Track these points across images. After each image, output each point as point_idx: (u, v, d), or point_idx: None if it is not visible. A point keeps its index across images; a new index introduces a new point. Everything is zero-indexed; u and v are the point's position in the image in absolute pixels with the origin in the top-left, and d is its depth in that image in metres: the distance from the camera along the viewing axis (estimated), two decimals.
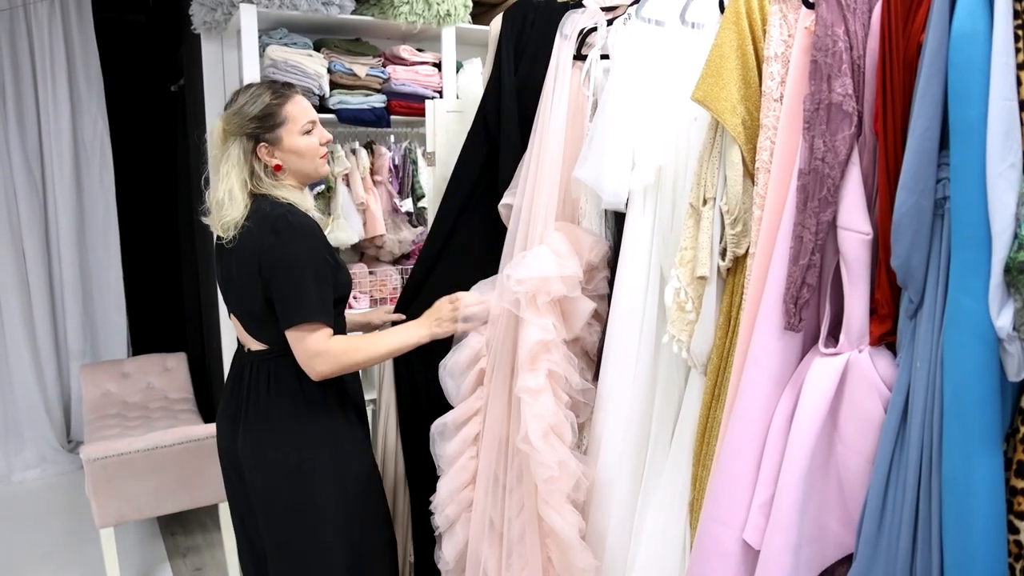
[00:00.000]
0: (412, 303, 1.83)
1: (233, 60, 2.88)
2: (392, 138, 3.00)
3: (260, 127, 1.53)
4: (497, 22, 1.84)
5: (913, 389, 1.07)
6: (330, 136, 1.65)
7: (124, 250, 3.48)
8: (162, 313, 4.29)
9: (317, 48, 2.76)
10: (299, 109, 1.57)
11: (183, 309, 4.09)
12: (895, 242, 1.06)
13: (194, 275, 3.71)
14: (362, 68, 2.78)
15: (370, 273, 2.93)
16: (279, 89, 1.57)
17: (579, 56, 1.68)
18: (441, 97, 2.88)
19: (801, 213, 1.19)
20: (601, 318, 1.67)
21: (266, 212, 1.50)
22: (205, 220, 1.59)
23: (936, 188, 1.03)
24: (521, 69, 1.79)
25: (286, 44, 2.67)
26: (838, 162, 1.16)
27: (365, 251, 3.05)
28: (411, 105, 2.83)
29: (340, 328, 1.64)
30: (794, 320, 1.21)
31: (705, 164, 1.36)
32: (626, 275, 1.54)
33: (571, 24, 1.73)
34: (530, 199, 1.64)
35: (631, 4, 1.62)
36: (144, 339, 3.70)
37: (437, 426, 1.69)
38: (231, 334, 3.13)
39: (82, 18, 3.22)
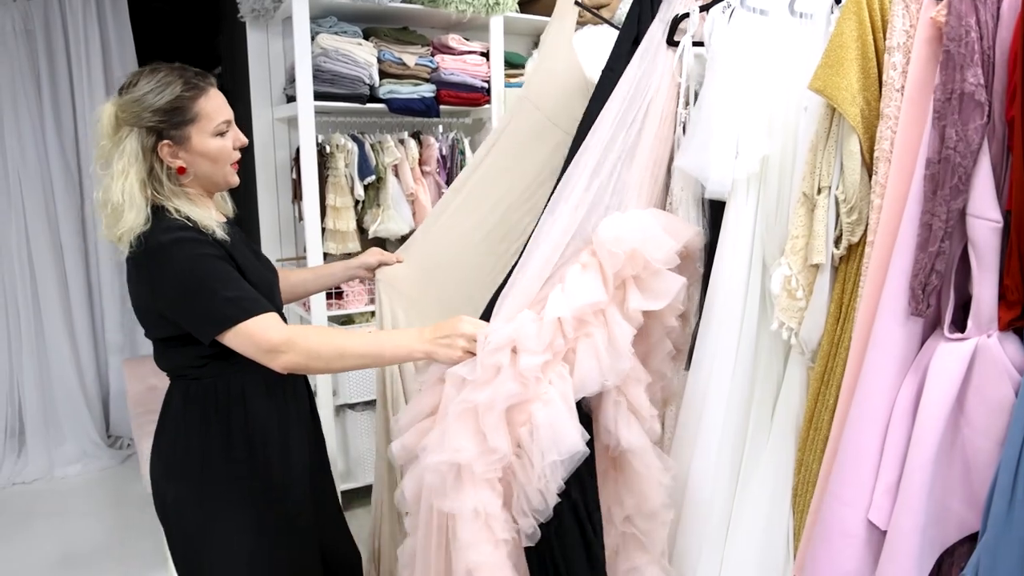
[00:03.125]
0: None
1: (278, 49, 2.86)
2: (440, 128, 3.00)
3: (165, 122, 1.32)
4: None
5: None
6: (245, 140, 1.44)
7: None
8: None
9: (365, 37, 2.75)
10: (214, 106, 1.36)
11: None
12: None
13: None
14: (411, 57, 2.77)
15: None
16: (192, 79, 1.35)
17: (670, 42, 1.69)
18: (489, 87, 2.88)
19: (930, 201, 1.21)
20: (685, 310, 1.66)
21: (156, 238, 1.30)
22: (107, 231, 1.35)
23: None
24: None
25: (336, 33, 2.66)
26: (970, 151, 1.18)
27: None
28: (460, 95, 2.83)
29: None
30: (923, 306, 1.23)
31: (820, 153, 1.38)
32: (726, 263, 1.56)
33: (666, 7, 1.74)
34: (611, 173, 1.51)
35: None
36: None
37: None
38: None
39: (116, 5, 3.18)
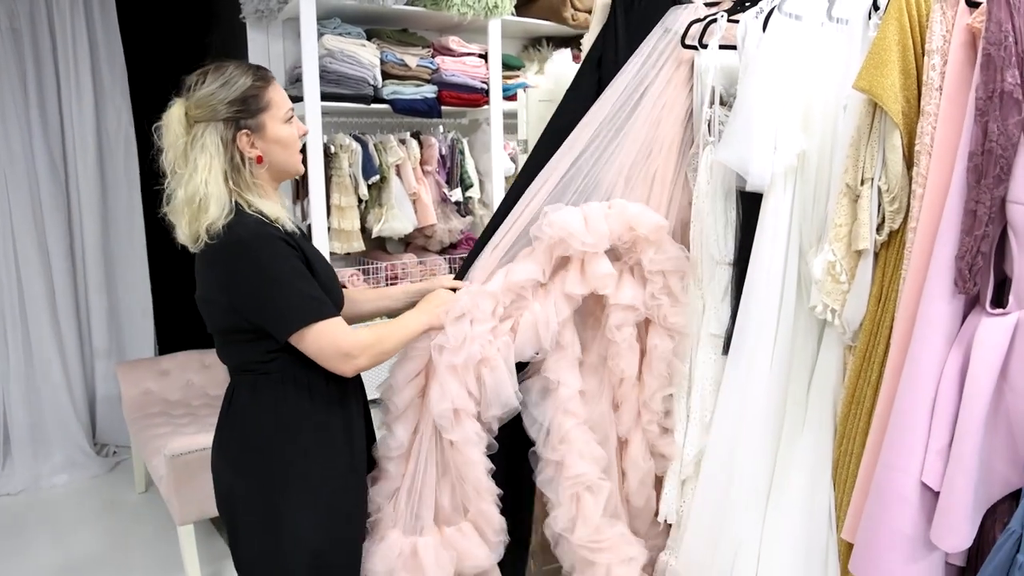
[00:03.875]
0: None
1: (279, 49, 2.85)
2: (441, 128, 3.03)
3: (242, 111, 1.34)
4: None
5: None
6: (307, 128, 1.50)
7: (149, 245, 3.35)
8: (189, 310, 4.10)
9: (368, 38, 2.77)
10: (280, 95, 1.41)
11: None
12: None
13: None
14: (412, 59, 2.80)
15: (419, 262, 2.96)
16: (257, 71, 1.39)
17: (688, 45, 1.79)
18: (488, 88, 2.93)
19: (974, 190, 1.33)
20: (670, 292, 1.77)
21: (236, 231, 1.32)
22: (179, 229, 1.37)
23: None
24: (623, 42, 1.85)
25: (340, 34, 2.67)
26: (1010, 144, 1.30)
27: (412, 241, 3.07)
28: (461, 96, 2.88)
29: None
30: (969, 285, 1.35)
31: (863, 148, 1.49)
32: (765, 251, 1.65)
33: (674, 18, 1.84)
34: (595, 161, 1.73)
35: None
36: (171, 337, 3.55)
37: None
38: None
39: (104, 3, 3.10)
